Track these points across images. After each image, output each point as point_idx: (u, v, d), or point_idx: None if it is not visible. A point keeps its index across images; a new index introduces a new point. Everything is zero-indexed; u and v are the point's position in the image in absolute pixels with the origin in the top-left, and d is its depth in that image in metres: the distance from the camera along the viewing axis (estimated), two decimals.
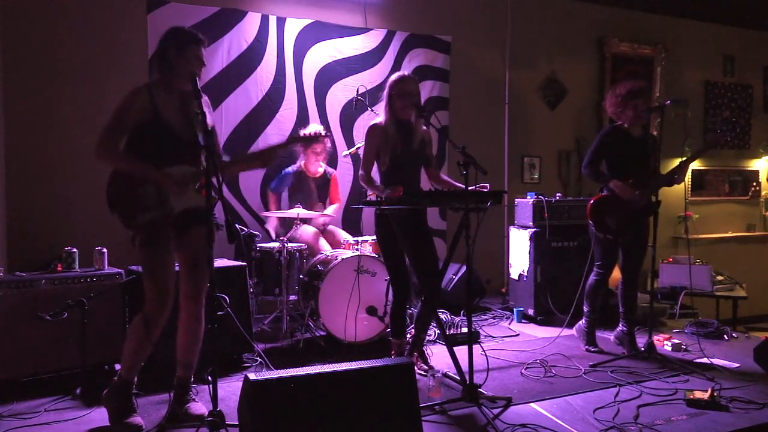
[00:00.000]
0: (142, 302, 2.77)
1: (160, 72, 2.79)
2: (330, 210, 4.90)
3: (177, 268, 2.91)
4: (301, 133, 4.70)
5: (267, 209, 4.90)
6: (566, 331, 4.31)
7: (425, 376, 3.27)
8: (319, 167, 4.86)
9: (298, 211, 4.37)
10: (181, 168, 2.73)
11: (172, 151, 2.72)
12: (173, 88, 2.76)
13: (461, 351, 3.16)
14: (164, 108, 2.71)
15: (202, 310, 2.90)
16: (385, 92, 3.52)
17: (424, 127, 3.57)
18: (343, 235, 4.80)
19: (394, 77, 3.53)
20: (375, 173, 3.56)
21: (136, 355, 2.78)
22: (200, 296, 2.88)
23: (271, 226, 4.90)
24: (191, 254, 2.85)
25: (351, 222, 5.18)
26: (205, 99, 2.90)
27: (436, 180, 3.71)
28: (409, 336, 3.81)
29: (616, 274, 4.21)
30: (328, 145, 4.85)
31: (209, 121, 2.76)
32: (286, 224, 4.71)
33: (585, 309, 4.14)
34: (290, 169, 4.85)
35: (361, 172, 3.52)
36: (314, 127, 4.75)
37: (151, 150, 2.70)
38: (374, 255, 4.20)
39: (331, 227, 4.94)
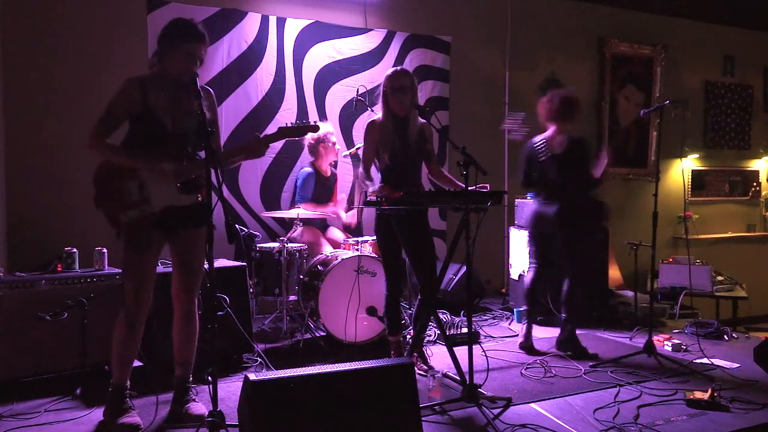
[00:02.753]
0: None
1: (157, 64, 2.78)
2: (347, 212, 4.94)
3: (170, 269, 2.93)
4: (312, 137, 4.68)
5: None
6: None
7: (425, 376, 3.27)
8: (329, 166, 4.87)
9: (299, 211, 4.37)
10: (169, 164, 2.72)
11: (160, 145, 2.72)
12: (167, 82, 2.74)
13: (461, 351, 3.16)
14: (155, 100, 2.69)
15: (195, 308, 2.91)
16: (381, 88, 3.52)
17: (423, 120, 3.52)
18: (338, 234, 4.81)
19: (388, 72, 3.52)
20: (374, 172, 3.56)
21: (123, 354, 2.77)
22: (191, 295, 2.89)
23: (298, 233, 4.51)
24: (181, 255, 2.86)
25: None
26: (207, 93, 2.87)
27: (438, 176, 3.70)
28: (408, 337, 3.81)
29: (616, 273, 4.21)
30: (332, 139, 4.84)
31: (210, 117, 2.76)
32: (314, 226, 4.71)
33: (528, 307, 4.22)
34: (308, 170, 4.80)
35: (359, 169, 3.52)
36: (326, 127, 4.75)
37: (140, 143, 2.71)
38: (374, 255, 4.19)
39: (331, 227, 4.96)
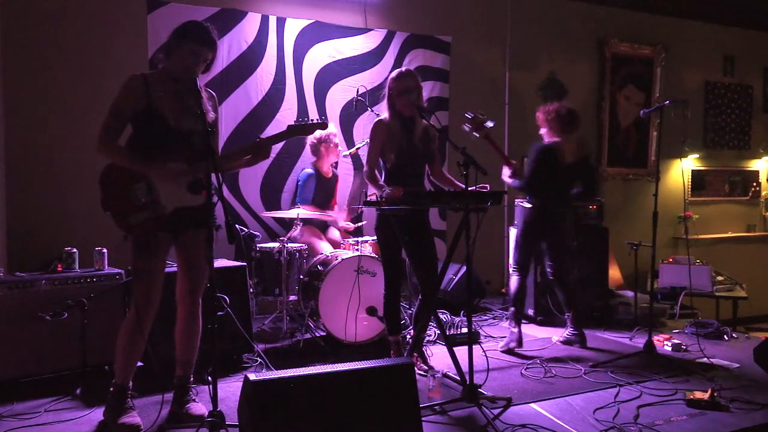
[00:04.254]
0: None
1: (163, 60, 2.79)
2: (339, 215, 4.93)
3: (173, 269, 2.92)
4: (314, 137, 4.67)
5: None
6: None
7: (425, 376, 3.27)
8: (330, 167, 4.86)
9: (298, 211, 4.37)
10: (177, 165, 2.71)
11: (166, 144, 2.71)
12: (170, 80, 2.74)
13: (461, 351, 3.16)
14: (158, 97, 2.69)
15: (199, 309, 2.90)
16: (386, 90, 3.52)
17: (425, 121, 3.53)
18: (338, 235, 4.81)
19: (393, 74, 3.53)
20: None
21: (129, 355, 2.77)
22: (197, 296, 2.88)
23: (298, 233, 4.44)
24: (188, 255, 2.85)
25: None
26: (210, 94, 2.89)
27: (440, 177, 3.71)
28: (408, 337, 3.81)
29: (616, 273, 4.22)
30: (335, 140, 4.84)
31: (210, 118, 2.76)
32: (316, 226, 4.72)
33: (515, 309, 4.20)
34: (309, 171, 4.80)
35: (365, 168, 3.53)
36: (329, 128, 4.75)
37: (146, 142, 2.70)
38: (374, 255, 4.20)
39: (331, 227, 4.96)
